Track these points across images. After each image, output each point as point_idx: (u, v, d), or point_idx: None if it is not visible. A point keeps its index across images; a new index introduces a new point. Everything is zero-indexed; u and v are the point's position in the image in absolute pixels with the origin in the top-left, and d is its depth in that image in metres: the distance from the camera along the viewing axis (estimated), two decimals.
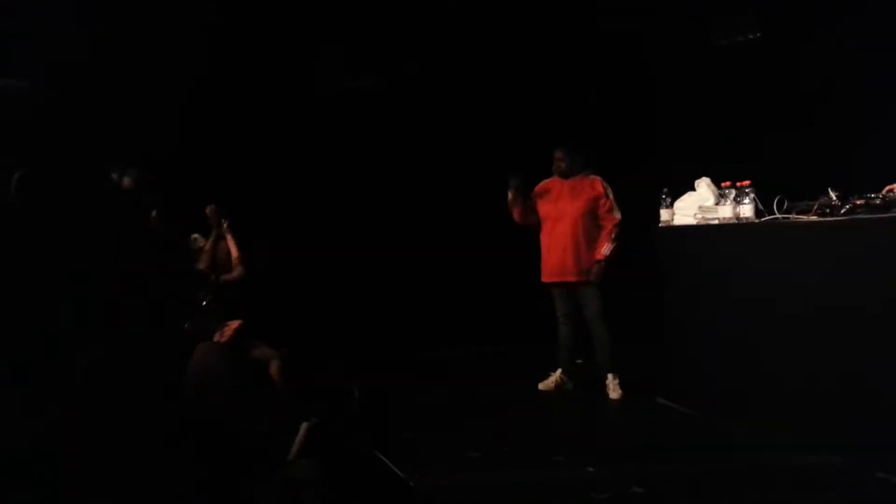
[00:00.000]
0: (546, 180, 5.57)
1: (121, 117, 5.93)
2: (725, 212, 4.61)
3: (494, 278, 6.88)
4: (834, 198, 4.04)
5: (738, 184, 4.57)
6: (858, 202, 3.91)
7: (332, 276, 6.66)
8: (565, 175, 5.46)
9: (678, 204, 5.07)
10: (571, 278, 5.33)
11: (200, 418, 2.70)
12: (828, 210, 4.05)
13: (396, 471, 3.85)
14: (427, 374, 6.32)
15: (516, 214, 5.52)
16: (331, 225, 6.75)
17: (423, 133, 7.06)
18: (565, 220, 5.35)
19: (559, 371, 5.52)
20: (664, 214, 5.14)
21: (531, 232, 5.56)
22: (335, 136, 6.94)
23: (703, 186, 4.92)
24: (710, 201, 4.82)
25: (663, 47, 7.04)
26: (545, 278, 5.46)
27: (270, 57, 6.70)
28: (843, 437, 3.76)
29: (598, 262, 5.26)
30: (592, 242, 5.32)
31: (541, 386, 5.53)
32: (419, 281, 6.90)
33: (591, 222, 5.35)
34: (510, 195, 5.46)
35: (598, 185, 5.37)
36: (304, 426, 3.44)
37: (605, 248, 5.26)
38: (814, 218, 4.11)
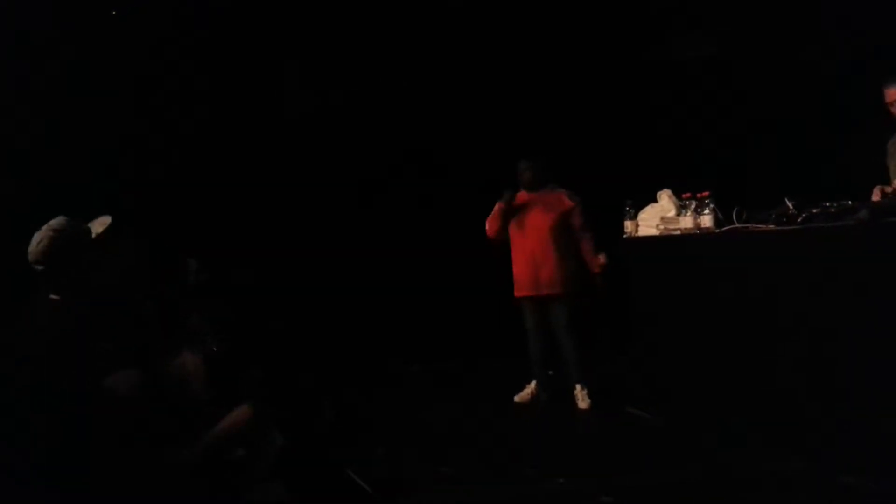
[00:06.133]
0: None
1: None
2: (686, 222, 4.69)
3: (467, 292, 6.88)
4: (791, 207, 4.13)
5: (699, 195, 4.65)
6: (814, 211, 4.00)
7: (303, 289, 6.63)
8: (531, 187, 5.49)
9: (641, 215, 5.14)
10: (544, 291, 5.37)
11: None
12: (785, 219, 4.13)
13: (367, 488, 3.85)
14: (399, 388, 6.31)
15: (495, 228, 5.49)
16: (301, 239, 6.72)
17: (392, 149, 7.08)
18: (537, 234, 5.38)
19: (534, 383, 5.54)
20: (628, 225, 5.21)
21: (499, 245, 5.58)
22: (308, 150, 6.93)
23: (665, 198, 5.00)
24: (672, 212, 4.90)
25: (624, 61, 7.14)
26: (518, 292, 5.47)
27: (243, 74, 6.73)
28: (809, 443, 3.81)
29: (597, 274, 5.40)
30: (563, 255, 5.37)
31: (516, 398, 5.55)
32: (391, 295, 6.88)
33: (562, 235, 5.39)
34: (501, 206, 5.44)
35: (566, 198, 5.43)
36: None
37: (601, 258, 5.39)
38: (772, 227, 4.19)
